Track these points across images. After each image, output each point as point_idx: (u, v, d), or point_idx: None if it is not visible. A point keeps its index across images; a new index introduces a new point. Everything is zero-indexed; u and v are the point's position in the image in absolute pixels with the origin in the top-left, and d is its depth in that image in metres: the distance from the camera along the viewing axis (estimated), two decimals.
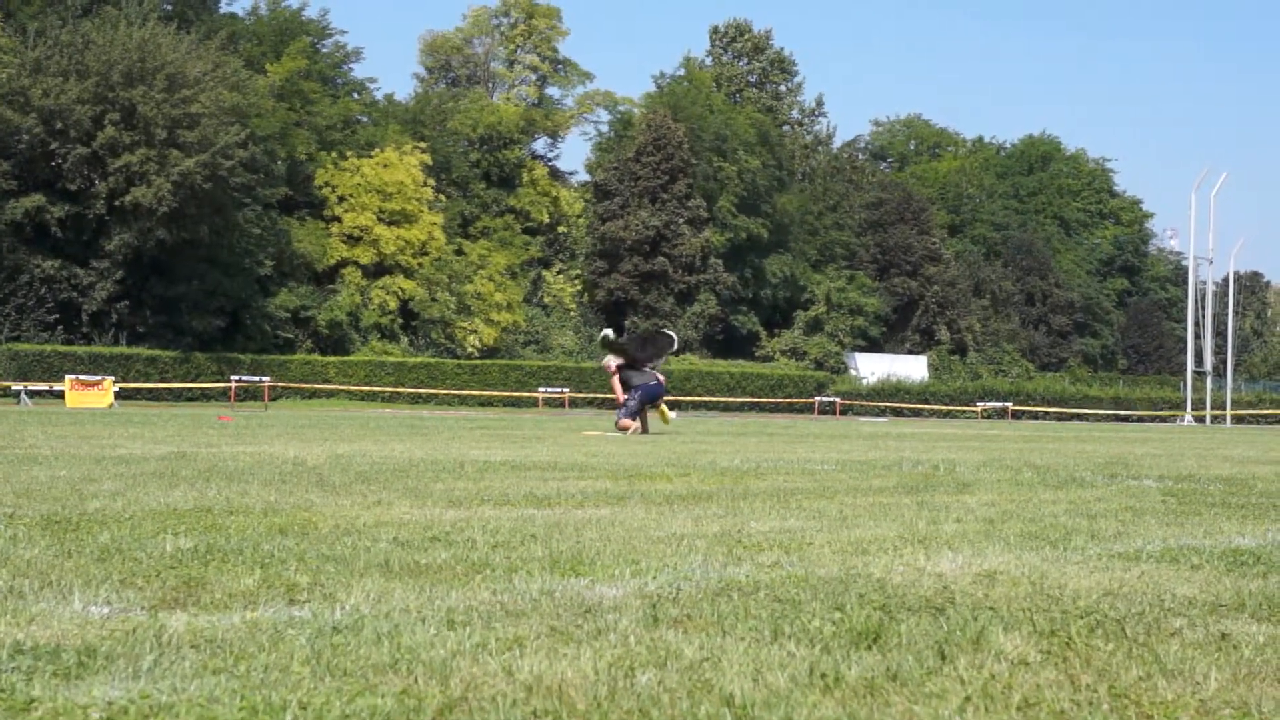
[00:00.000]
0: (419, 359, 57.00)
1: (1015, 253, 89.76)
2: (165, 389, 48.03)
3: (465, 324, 60.24)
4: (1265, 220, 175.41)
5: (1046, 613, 3.43)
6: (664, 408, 20.22)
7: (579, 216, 73.58)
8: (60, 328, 49.76)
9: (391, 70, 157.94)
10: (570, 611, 3.33)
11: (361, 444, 13.03)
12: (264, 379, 47.72)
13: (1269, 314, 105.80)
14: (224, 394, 47.57)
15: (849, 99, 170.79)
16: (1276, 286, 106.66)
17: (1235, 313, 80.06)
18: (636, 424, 18.94)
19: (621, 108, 78.52)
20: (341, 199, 59.44)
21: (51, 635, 2.94)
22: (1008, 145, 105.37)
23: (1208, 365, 68.41)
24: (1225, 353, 73.90)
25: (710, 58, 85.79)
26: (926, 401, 65.53)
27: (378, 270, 59.34)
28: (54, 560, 4.06)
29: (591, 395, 56.26)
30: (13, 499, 6.07)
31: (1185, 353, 69.94)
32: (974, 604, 3.55)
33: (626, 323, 67.15)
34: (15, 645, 2.83)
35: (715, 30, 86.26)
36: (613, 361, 20.24)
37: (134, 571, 3.86)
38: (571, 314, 69.65)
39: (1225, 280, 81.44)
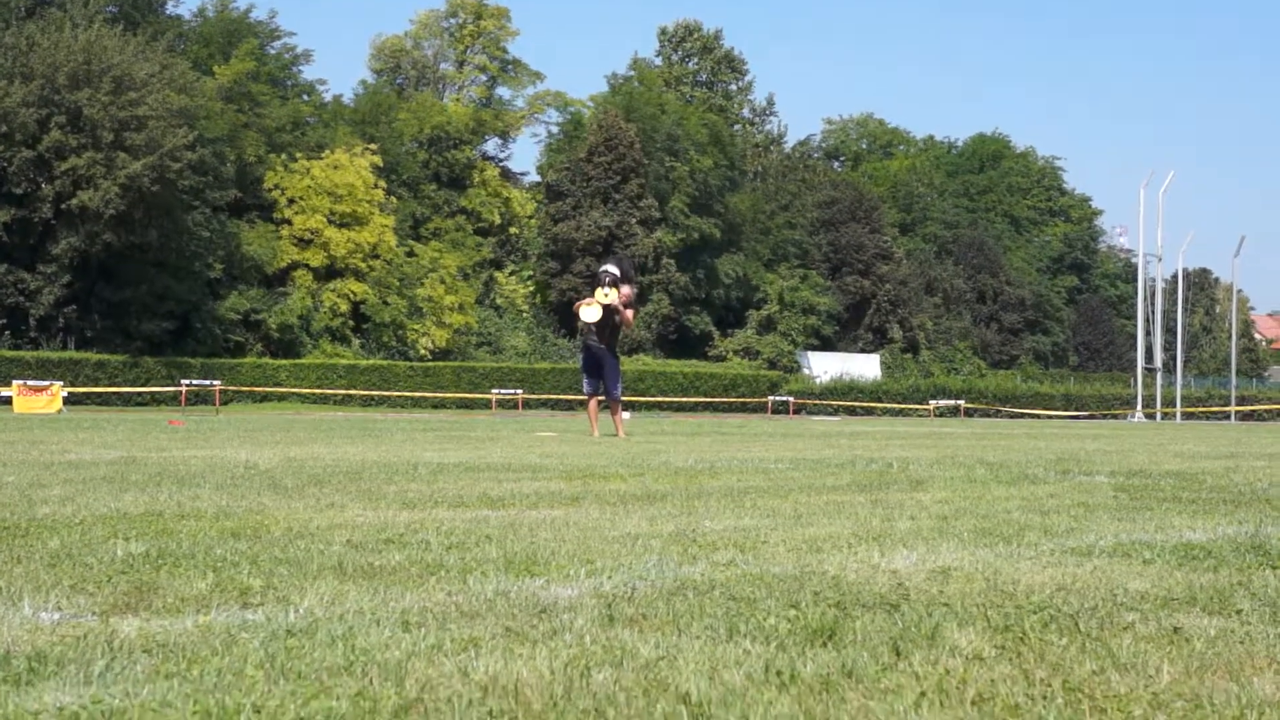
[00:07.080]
0: (371, 362, 56.79)
1: (966, 251, 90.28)
2: (114, 393, 47.66)
3: (417, 326, 60.06)
4: (1213, 217, 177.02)
5: (1000, 608, 3.45)
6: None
7: (531, 217, 73.50)
8: (7, 333, 49.30)
9: (341, 72, 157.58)
10: (525, 612, 3.32)
11: (314, 447, 12.96)
12: (215, 383, 47.40)
13: (1218, 310, 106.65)
14: (174, 398, 47.23)
15: (800, 98, 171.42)
16: (1225, 283, 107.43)
17: (1184, 310, 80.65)
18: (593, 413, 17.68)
19: (572, 108, 78.53)
20: (291, 201, 59.11)
21: (0, 642, 2.91)
22: (958, 144, 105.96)
23: (1158, 362, 68.85)
24: (1175, 349, 74.44)
25: (660, 57, 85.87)
26: (879, 400, 65.73)
27: (329, 273, 59.06)
28: (3, 566, 4.01)
29: (545, 396, 56.18)
30: None
31: (1135, 349, 70.40)
32: (928, 600, 3.56)
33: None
34: None
35: (664, 31, 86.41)
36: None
37: (84, 577, 3.82)
38: (524, 315, 69.53)
39: (1174, 277, 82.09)
